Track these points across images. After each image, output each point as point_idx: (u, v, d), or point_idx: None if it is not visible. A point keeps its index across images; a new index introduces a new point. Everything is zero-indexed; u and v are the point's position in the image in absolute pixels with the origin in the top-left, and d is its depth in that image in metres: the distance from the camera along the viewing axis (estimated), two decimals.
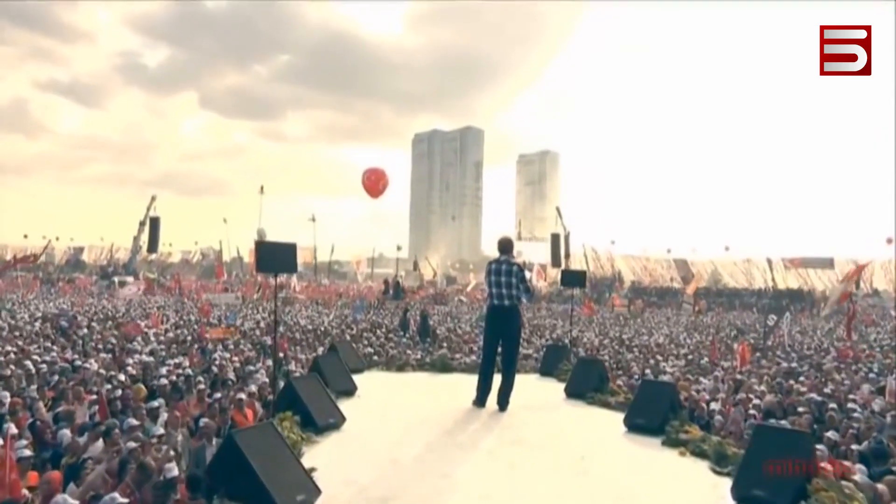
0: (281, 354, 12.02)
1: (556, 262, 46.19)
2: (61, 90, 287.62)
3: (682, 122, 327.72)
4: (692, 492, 3.93)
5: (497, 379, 5.95)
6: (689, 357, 14.63)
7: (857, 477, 5.17)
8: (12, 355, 10.32)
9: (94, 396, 7.59)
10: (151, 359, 11.12)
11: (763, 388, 10.24)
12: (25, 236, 59.78)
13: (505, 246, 6.00)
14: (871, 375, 11.60)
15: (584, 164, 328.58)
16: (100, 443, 5.75)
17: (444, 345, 15.12)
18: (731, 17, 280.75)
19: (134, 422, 6.24)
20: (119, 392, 7.78)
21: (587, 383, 6.52)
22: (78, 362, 10.12)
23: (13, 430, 5.49)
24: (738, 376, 11.40)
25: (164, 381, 8.64)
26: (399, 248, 62.87)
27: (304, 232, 54.79)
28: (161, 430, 6.14)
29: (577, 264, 44.10)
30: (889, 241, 39.19)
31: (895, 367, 12.03)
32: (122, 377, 8.83)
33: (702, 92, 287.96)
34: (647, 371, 11.67)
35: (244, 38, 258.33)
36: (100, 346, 12.65)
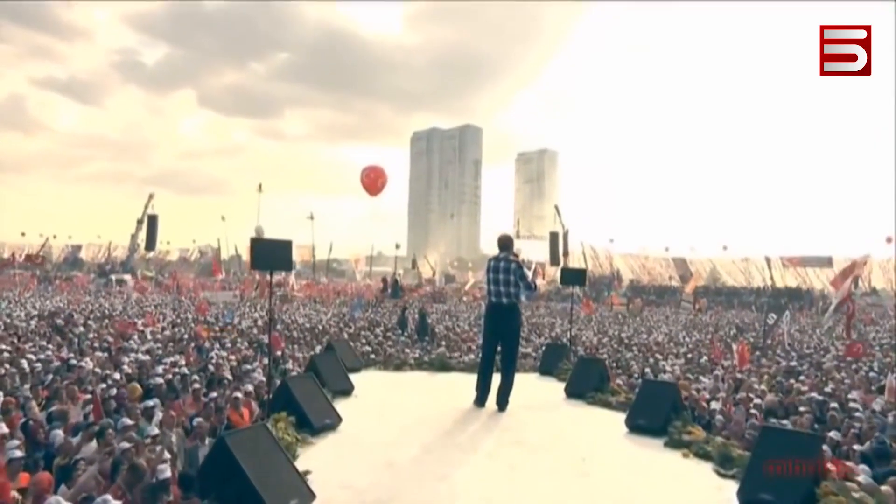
0: (279, 353, 11.96)
1: (554, 260, 46.10)
2: (59, 88, 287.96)
3: (680, 122, 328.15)
4: (696, 495, 3.85)
5: (496, 378, 5.87)
6: (689, 356, 14.57)
7: (860, 478, 5.10)
8: (6, 354, 10.21)
9: (89, 396, 7.50)
10: (148, 357, 11.01)
11: (763, 387, 10.19)
12: (23, 234, 59.68)
13: (505, 243, 5.91)
14: (872, 374, 11.55)
15: (582, 163, 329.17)
16: (93, 443, 5.66)
17: (443, 343, 15.04)
18: (731, 16, 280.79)
19: (128, 421, 6.15)
20: (114, 391, 7.69)
21: (587, 383, 6.43)
22: (73, 361, 10.01)
23: (4, 429, 5.40)
24: (739, 375, 11.35)
25: (159, 379, 8.54)
26: (398, 247, 62.74)
27: (302, 230, 54.67)
28: (156, 430, 6.05)
29: (575, 263, 44.02)
30: (889, 240, 39.14)
31: (895, 365, 11.96)
32: (116, 376, 8.73)
33: (701, 91, 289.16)
34: (647, 370, 11.61)
35: (243, 36, 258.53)
36: (96, 345, 12.54)
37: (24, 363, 9.19)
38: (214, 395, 7.83)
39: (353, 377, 6.49)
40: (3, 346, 11.08)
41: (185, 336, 14.95)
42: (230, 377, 9.52)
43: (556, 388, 6.91)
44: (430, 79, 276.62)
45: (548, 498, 3.72)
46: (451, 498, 3.68)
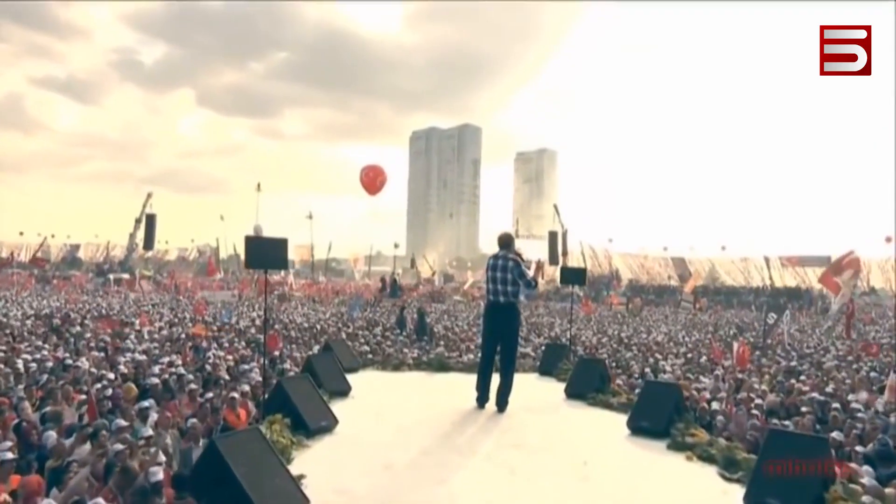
0: (276, 353, 11.86)
1: (553, 259, 46.04)
2: (58, 87, 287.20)
3: (679, 121, 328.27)
4: (701, 499, 3.78)
5: (496, 378, 5.78)
6: (689, 356, 14.49)
7: (864, 480, 5.03)
8: (1, 354, 10.12)
9: (84, 396, 7.40)
10: (145, 357, 10.92)
11: (764, 387, 10.12)
12: (21, 233, 59.46)
13: (505, 241, 5.83)
14: (873, 374, 11.48)
15: (581, 163, 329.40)
16: (87, 445, 5.57)
17: (442, 343, 14.95)
18: (731, 16, 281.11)
19: (122, 423, 6.06)
20: (109, 391, 7.60)
21: (588, 383, 6.35)
22: (69, 361, 9.92)
23: None
24: (739, 375, 11.28)
25: (155, 380, 8.45)
26: (396, 246, 62.65)
27: (301, 229, 54.55)
28: (150, 432, 5.96)
29: (574, 262, 43.88)
30: (888, 239, 39.06)
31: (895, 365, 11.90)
32: (111, 376, 8.63)
33: (700, 91, 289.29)
34: (647, 370, 11.53)
35: (241, 35, 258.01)
36: (92, 345, 12.45)
37: (19, 363, 9.09)
38: (210, 395, 7.75)
39: (350, 377, 6.41)
40: None
41: (183, 336, 14.86)
42: (227, 377, 9.42)
43: (556, 388, 6.83)
44: (429, 78, 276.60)
45: (548, 502, 3.65)
46: (449, 502, 3.60)
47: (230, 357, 11.52)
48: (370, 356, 9.82)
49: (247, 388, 8.22)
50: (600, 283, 46.30)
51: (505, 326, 5.81)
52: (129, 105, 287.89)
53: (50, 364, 9.60)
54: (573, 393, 6.40)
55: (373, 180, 36.91)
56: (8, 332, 13.86)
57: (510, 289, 5.63)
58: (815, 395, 9.08)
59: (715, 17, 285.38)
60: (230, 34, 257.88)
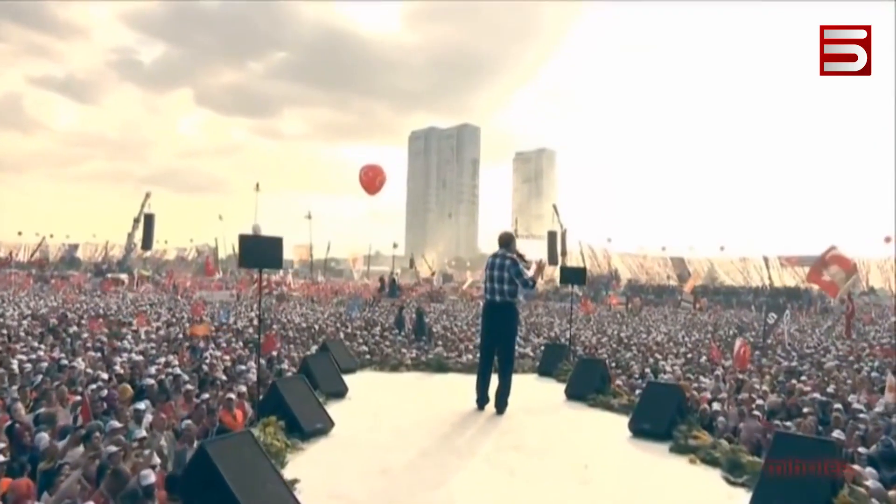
0: (274, 353, 11.78)
1: (552, 259, 45.97)
2: (56, 86, 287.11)
3: (679, 121, 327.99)
4: (705, 503, 3.69)
5: (495, 379, 5.70)
6: (689, 356, 14.42)
7: (868, 482, 4.95)
8: None
9: (79, 397, 7.31)
10: (141, 358, 10.83)
11: (765, 387, 10.05)
12: (20, 233, 59.32)
13: (505, 240, 5.73)
14: (874, 374, 11.42)
15: (580, 163, 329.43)
16: (80, 447, 5.48)
17: (440, 343, 14.87)
18: (731, 16, 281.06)
19: (117, 424, 5.99)
20: (104, 392, 7.51)
21: (588, 384, 6.25)
22: (64, 361, 9.83)
23: None
24: (740, 375, 11.21)
25: (150, 381, 8.36)
26: (395, 246, 62.65)
27: (300, 229, 54.50)
28: (144, 433, 5.87)
29: (573, 262, 43.87)
30: (888, 239, 38.99)
31: None
32: (105, 376, 8.55)
33: (699, 91, 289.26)
34: (647, 370, 11.46)
35: (240, 35, 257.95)
36: (89, 345, 12.35)
37: (14, 364, 9.00)
38: (206, 396, 7.67)
39: (347, 378, 6.31)
40: None
41: (180, 336, 14.77)
42: (224, 378, 9.34)
43: (555, 389, 6.74)
44: (428, 78, 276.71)
45: None
46: None
47: (227, 357, 11.44)
48: (368, 356, 9.73)
49: (244, 388, 8.15)
50: (599, 283, 46.26)
51: (502, 326, 5.72)
52: (128, 105, 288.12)
53: (45, 365, 9.50)
54: (573, 394, 6.31)
55: (372, 180, 36.79)
56: (3, 332, 13.77)
57: (507, 288, 5.54)
58: (816, 395, 9.01)
59: (714, 17, 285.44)
60: (229, 34, 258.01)
